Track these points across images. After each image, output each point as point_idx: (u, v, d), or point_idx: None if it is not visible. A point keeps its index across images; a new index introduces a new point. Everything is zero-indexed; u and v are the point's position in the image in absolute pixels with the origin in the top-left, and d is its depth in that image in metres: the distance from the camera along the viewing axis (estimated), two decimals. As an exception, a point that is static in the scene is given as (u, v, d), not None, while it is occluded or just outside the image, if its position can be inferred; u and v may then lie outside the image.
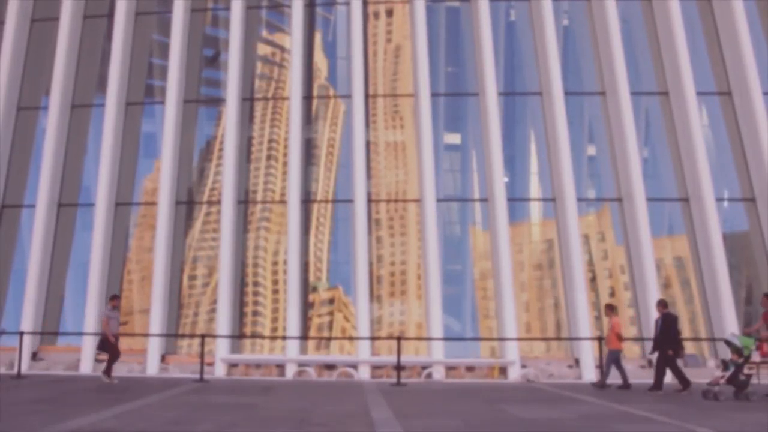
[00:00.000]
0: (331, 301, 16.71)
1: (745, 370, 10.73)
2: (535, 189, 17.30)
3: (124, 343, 16.47)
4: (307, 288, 16.53)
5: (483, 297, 16.31)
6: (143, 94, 18.25)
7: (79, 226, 17.37)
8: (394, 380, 13.88)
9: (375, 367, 15.27)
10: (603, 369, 13.00)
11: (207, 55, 18.79)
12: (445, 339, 15.26)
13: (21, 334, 14.38)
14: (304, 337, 15.98)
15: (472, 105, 17.44)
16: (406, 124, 17.71)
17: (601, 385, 12.64)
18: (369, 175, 16.92)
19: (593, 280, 16.40)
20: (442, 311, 15.28)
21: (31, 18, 18.57)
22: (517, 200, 16.96)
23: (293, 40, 17.24)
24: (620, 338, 12.86)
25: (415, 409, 9.31)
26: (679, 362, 12.49)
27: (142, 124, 18.09)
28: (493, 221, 15.99)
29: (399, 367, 13.76)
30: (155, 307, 15.64)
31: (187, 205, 17.33)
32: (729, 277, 15.01)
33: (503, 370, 14.96)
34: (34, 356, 15.89)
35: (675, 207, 16.53)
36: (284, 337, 15.53)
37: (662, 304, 12.57)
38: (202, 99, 18.36)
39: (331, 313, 16.58)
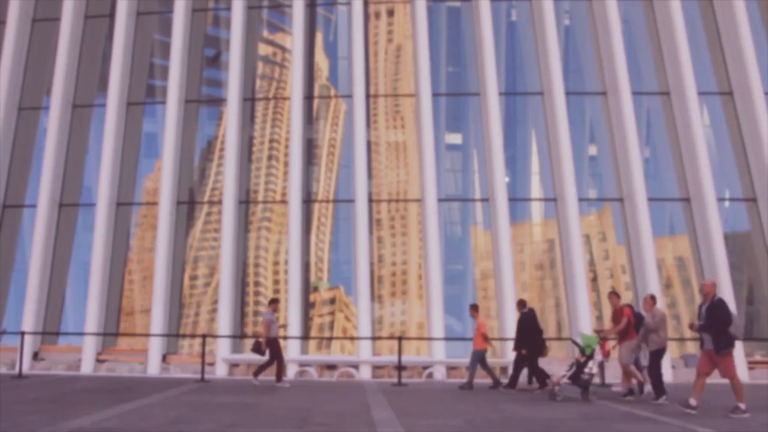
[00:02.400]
0: (332, 300, 16.71)
1: (588, 369, 10.46)
2: (536, 189, 17.29)
3: (124, 343, 16.53)
4: (308, 288, 16.53)
5: (484, 297, 16.30)
6: (144, 94, 18.25)
7: (80, 226, 17.38)
8: (395, 380, 13.88)
9: (376, 367, 15.27)
10: (472, 369, 12.77)
11: (208, 55, 18.79)
12: (447, 339, 15.26)
13: (22, 333, 14.38)
14: (305, 336, 15.98)
15: (473, 105, 17.43)
16: (407, 124, 17.70)
17: (469, 386, 12.42)
18: (370, 175, 16.92)
19: (594, 280, 16.39)
20: (444, 311, 15.28)
21: (32, 18, 18.58)
22: (518, 200, 16.96)
23: (294, 40, 17.25)
24: (486, 338, 12.73)
25: (416, 409, 9.31)
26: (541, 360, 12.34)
27: (143, 123, 18.09)
28: (495, 221, 15.99)
29: (400, 367, 13.76)
30: (156, 307, 15.64)
31: (188, 204, 17.34)
32: (730, 277, 15.00)
33: (504, 370, 14.95)
34: (36, 356, 15.90)
35: (676, 207, 16.52)
36: (285, 337, 15.51)
37: (521, 304, 12.59)
38: (204, 99, 18.36)
39: (332, 313, 16.58)
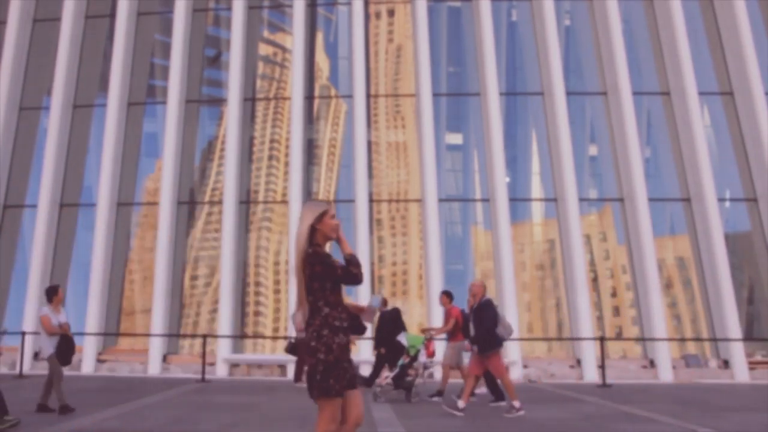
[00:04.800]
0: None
1: (413, 370, 10.21)
2: (536, 189, 17.29)
3: (125, 343, 16.54)
4: (308, 288, 16.50)
5: (484, 297, 16.29)
6: (145, 94, 18.26)
7: (81, 226, 17.38)
8: (395, 380, 13.84)
9: (376, 367, 15.25)
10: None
11: (209, 55, 18.80)
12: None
13: (23, 334, 14.40)
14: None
15: (473, 105, 17.44)
16: (407, 124, 17.71)
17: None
18: (370, 175, 16.92)
19: (595, 280, 16.39)
20: (444, 311, 15.27)
21: (32, 18, 18.59)
22: (518, 200, 16.96)
23: (295, 39, 17.24)
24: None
25: (416, 409, 9.31)
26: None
27: (144, 123, 18.10)
28: (495, 221, 15.99)
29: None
30: (157, 307, 15.64)
31: (188, 204, 17.35)
32: (731, 277, 15.00)
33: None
34: (36, 356, 15.89)
35: (677, 207, 16.52)
36: (286, 337, 15.52)
37: (383, 303, 12.40)
38: (204, 99, 18.37)
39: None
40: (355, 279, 3.72)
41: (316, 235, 3.78)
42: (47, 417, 7.98)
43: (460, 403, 8.66)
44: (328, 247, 4.00)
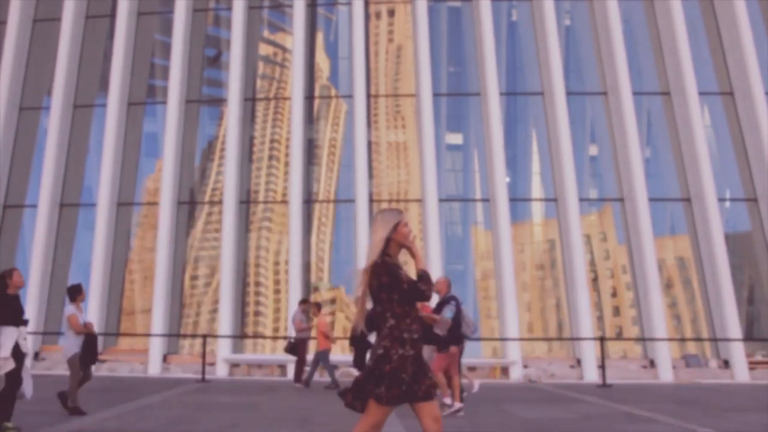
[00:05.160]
0: (333, 301, 16.71)
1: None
2: (537, 189, 17.29)
3: (125, 343, 16.54)
4: (309, 288, 16.53)
5: (485, 297, 16.31)
6: (145, 94, 18.26)
7: (81, 226, 17.38)
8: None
9: (377, 367, 15.24)
10: (311, 368, 12.89)
11: (209, 55, 18.80)
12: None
13: (23, 333, 14.37)
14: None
15: (473, 105, 17.43)
16: (407, 124, 17.71)
17: (306, 384, 12.53)
18: (371, 175, 16.91)
19: (595, 280, 16.39)
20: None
21: (33, 18, 18.58)
22: (519, 200, 16.96)
23: (295, 40, 17.24)
24: (327, 337, 12.68)
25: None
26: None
27: (144, 123, 18.10)
28: (495, 221, 15.98)
29: (401, 367, 13.74)
30: (157, 306, 15.64)
31: (188, 204, 17.34)
32: (731, 277, 14.99)
33: (505, 371, 14.95)
34: (37, 356, 15.90)
35: (677, 207, 16.51)
36: (286, 337, 15.52)
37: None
38: (204, 99, 18.37)
39: (332, 314, 16.58)
40: (422, 295, 3.70)
41: (389, 245, 3.80)
42: (47, 418, 7.97)
43: (456, 405, 8.67)
44: (402, 259, 3.96)
